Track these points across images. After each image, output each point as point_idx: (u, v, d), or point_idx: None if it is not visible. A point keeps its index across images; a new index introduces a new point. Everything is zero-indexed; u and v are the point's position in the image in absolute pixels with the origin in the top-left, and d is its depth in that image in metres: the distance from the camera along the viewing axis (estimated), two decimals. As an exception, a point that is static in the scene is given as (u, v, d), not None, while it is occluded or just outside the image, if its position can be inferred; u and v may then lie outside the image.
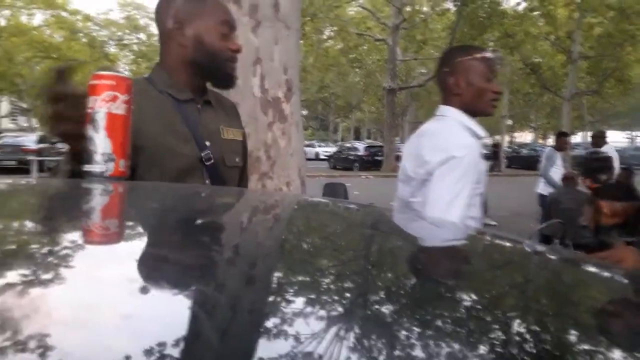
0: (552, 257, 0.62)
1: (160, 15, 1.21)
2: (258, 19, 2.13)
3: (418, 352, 0.29)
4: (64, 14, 23.28)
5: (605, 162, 4.70)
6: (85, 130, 0.83)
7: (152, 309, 0.32)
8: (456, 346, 0.31)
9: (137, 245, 0.48)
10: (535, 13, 16.81)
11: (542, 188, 6.03)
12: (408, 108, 29.58)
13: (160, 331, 0.29)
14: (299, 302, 0.35)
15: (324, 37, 23.14)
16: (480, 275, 0.50)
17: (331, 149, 27.67)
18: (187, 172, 1.14)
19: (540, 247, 0.63)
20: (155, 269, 0.40)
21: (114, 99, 0.82)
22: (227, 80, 1.24)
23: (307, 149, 25.13)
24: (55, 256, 0.41)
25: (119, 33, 31.50)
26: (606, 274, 0.55)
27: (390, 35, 18.19)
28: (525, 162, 23.41)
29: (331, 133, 47.17)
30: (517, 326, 0.36)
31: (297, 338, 0.29)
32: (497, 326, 0.36)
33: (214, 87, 1.28)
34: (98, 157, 0.82)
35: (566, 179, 5.51)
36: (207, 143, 1.19)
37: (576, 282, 0.52)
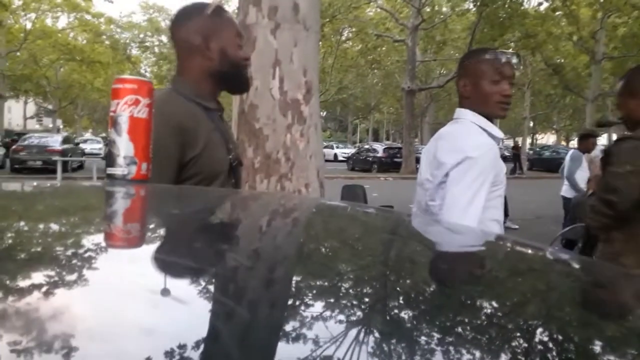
0: (570, 264, 0.61)
1: (180, 32, 1.30)
2: (277, 21, 2.14)
3: (436, 358, 0.29)
4: (87, 16, 23.73)
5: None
6: None
7: (172, 311, 0.32)
8: (473, 353, 0.30)
9: (158, 248, 0.49)
10: (558, 13, 16.53)
11: (566, 191, 5.86)
12: (427, 109, 29.38)
13: (181, 333, 0.29)
14: (317, 306, 0.35)
15: (343, 38, 23.14)
16: (496, 281, 0.50)
17: (350, 151, 27.62)
18: (225, 173, 1.27)
19: (560, 254, 0.62)
20: (174, 271, 0.41)
21: (136, 102, 0.84)
22: (246, 85, 1.41)
23: (326, 151, 25.15)
24: (74, 259, 0.42)
25: (141, 35, 32.02)
26: (621, 279, 0.54)
27: (409, 36, 18.09)
28: (547, 164, 23.02)
29: (350, 134, 47.13)
30: (534, 334, 0.35)
31: (316, 342, 0.29)
32: (514, 334, 0.36)
33: (232, 94, 1.46)
34: (120, 160, 0.84)
35: (592, 182, 5.38)
36: (231, 146, 1.33)
37: (585, 288, 0.51)
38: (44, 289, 0.33)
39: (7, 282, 0.35)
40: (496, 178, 1.47)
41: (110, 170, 0.84)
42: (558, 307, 0.43)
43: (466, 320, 0.36)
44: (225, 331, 0.31)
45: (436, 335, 0.33)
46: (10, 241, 0.47)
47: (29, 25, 20.75)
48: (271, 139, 2.12)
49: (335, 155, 29.28)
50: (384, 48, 23.21)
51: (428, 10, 18.47)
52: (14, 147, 15.36)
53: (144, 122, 0.85)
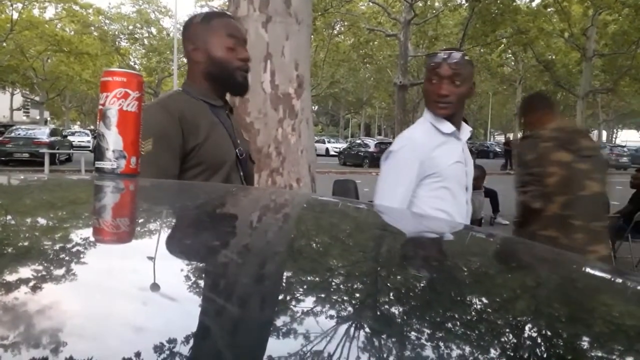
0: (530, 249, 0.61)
1: (183, 41, 1.44)
2: (269, 14, 2.13)
3: (426, 352, 0.29)
4: (75, 7, 23.41)
5: None
6: None
7: (162, 306, 0.32)
8: (463, 348, 0.30)
9: (147, 244, 0.48)
10: (549, 9, 16.61)
11: None
12: (419, 104, 29.41)
13: (171, 329, 0.29)
14: (308, 302, 0.35)
15: (335, 32, 23.06)
16: (482, 275, 0.50)
17: (341, 145, 27.62)
18: (230, 164, 1.34)
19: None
20: (164, 268, 0.40)
21: (125, 96, 0.83)
22: (239, 87, 1.44)
23: (317, 145, 25.13)
24: (63, 254, 0.41)
25: (130, 27, 31.65)
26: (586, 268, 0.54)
27: (401, 30, 18.08)
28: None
29: (341, 129, 47.11)
30: (517, 327, 0.36)
31: (306, 337, 0.29)
32: (503, 328, 0.36)
33: (231, 95, 1.50)
34: (109, 154, 0.83)
35: None
36: (238, 141, 1.41)
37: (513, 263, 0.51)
38: (32, 284, 0.33)
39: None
40: (431, 170, 1.56)
41: (99, 164, 0.83)
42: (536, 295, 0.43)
43: (453, 313, 0.36)
44: (215, 327, 0.30)
45: (426, 330, 0.33)
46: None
47: (15, 16, 20.39)
48: (262, 133, 2.11)
49: (327, 149, 29.27)
50: (376, 42, 23.17)
51: (420, 5, 18.45)
52: (0, 139, 15.16)
53: (134, 115, 0.84)
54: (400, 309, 0.37)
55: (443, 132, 1.62)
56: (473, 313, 0.38)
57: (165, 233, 0.54)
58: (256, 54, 2.11)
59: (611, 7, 14.87)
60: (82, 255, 0.41)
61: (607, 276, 0.55)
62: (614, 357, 0.34)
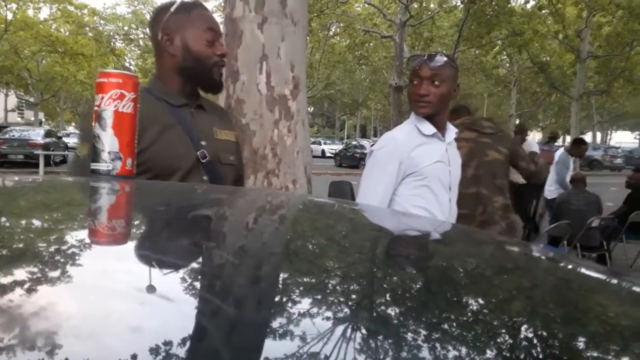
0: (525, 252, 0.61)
1: (152, 29, 1.32)
2: (264, 15, 2.12)
3: (423, 353, 0.29)
4: (70, 8, 23.30)
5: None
6: None
7: (157, 309, 0.32)
8: (459, 349, 0.30)
9: (143, 245, 0.48)
10: (544, 11, 16.68)
11: (549, 192, 5.97)
12: (414, 106, 29.33)
13: (167, 331, 0.29)
14: (304, 303, 0.35)
15: (331, 33, 23.07)
16: (477, 276, 0.50)
17: (337, 147, 27.61)
18: (186, 169, 1.23)
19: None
20: (159, 269, 0.40)
21: (121, 97, 0.82)
22: (214, 84, 1.35)
23: (313, 147, 25.09)
24: (60, 256, 0.41)
25: (126, 28, 31.56)
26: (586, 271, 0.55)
27: (397, 32, 18.11)
28: (533, 161, 23.21)
29: (337, 130, 47.11)
30: (513, 328, 0.36)
31: (303, 338, 0.29)
32: (499, 329, 0.36)
33: (204, 92, 1.38)
34: (105, 156, 0.82)
35: (575, 180, 5.48)
36: (203, 142, 1.27)
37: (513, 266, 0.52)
38: (27, 287, 0.33)
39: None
40: (412, 169, 1.63)
41: (94, 166, 0.83)
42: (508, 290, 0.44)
43: (448, 314, 0.36)
44: (211, 329, 0.30)
45: (422, 332, 0.33)
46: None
47: (9, 16, 20.27)
48: (258, 134, 2.10)
49: (323, 151, 29.24)
50: (371, 44, 23.19)
51: (416, 6, 18.48)
52: (-6, 140, 15.08)
53: (129, 116, 0.83)
54: (391, 309, 0.37)
55: (424, 133, 1.68)
56: (466, 312, 0.38)
57: (160, 235, 0.53)
58: (252, 55, 2.11)
59: (605, 9, 14.96)
60: (78, 257, 0.41)
61: (601, 277, 0.56)
62: (609, 357, 0.34)
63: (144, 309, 0.32)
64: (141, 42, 32.10)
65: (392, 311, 0.37)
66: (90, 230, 0.52)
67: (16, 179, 0.81)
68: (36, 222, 0.54)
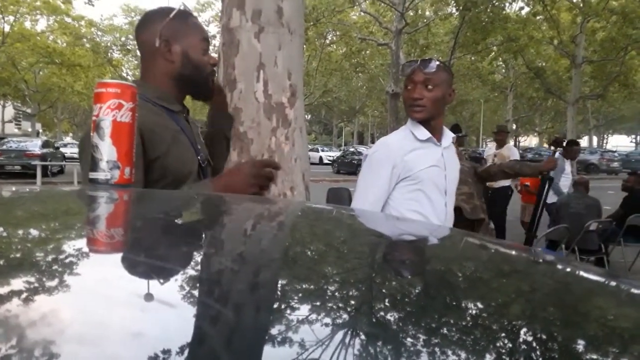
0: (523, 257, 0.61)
1: (144, 33, 1.30)
2: (261, 25, 2.13)
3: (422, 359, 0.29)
4: (67, 19, 23.38)
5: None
6: None
7: (156, 317, 0.32)
8: (459, 354, 0.31)
9: (143, 253, 0.48)
10: (539, 17, 16.80)
11: (548, 197, 6.00)
12: (411, 112, 29.42)
13: (168, 337, 0.29)
14: (303, 309, 0.35)
15: (327, 41, 23.17)
16: (480, 280, 0.50)
17: (335, 154, 27.64)
18: (194, 174, 1.27)
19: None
20: (159, 277, 0.40)
21: (119, 107, 0.83)
22: (208, 92, 1.37)
23: (311, 154, 25.11)
24: (59, 266, 0.41)
25: (123, 38, 31.64)
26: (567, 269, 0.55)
27: (393, 39, 18.21)
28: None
29: (335, 137, 47.17)
30: (514, 333, 0.36)
31: (302, 345, 0.29)
32: (499, 334, 0.36)
33: (196, 99, 1.38)
34: (103, 165, 0.83)
35: (578, 184, 5.50)
36: (199, 147, 1.33)
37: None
38: (25, 296, 0.33)
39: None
40: (406, 173, 1.65)
41: (92, 175, 0.83)
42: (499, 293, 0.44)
43: (448, 319, 0.37)
44: (212, 335, 0.30)
45: (422, 337, 0.33)
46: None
47: (7, 28, 20.34)
48: (256, 142, 2.10)
49: (321, 158, 29.27)
50: (368, 51, 23.31)
51: (411, 14, 18.61)
52: (-9, 151, 15.06)
53: (127, 126, 0.84)
54: (389, 315, 0.37)
55: (419, 138, 1.71)
56: (465, 317, 0.38)
57: (158, 243, 0.53)
58: (249, 64, 2.12)
59: (599, 14, 15.08)
60: (78, 267, 0.41)
61: (600, 279, 0.56)
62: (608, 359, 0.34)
63: (143, 317, 0.32)
64: (138, 53, 32.17)
65: (390, 317, 0.37)
66: (88, 239, 0.52)
67: (13, 189, 0.81)
68: (34, 232, 0.54)
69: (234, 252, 0.52)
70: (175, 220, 0.66)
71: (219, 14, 2.55)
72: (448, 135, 1.79)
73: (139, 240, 0.54)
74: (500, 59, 19.78)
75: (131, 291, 0.36)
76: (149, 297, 0.35)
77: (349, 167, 21.92)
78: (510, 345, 0.34)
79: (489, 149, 6.96)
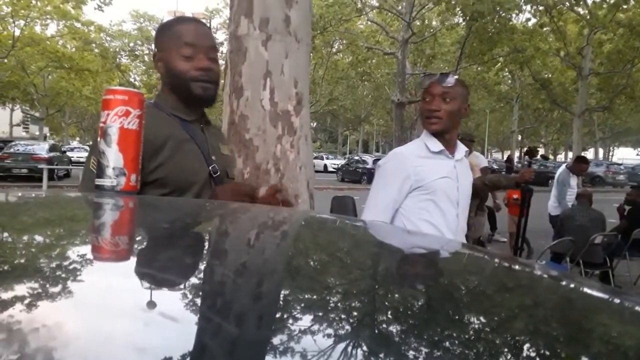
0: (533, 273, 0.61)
1: (154, 50, 1.36)
2: (269, 33, 2.15)
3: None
4: (77, 24, 23.58)
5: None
6: None
7: (159, 326, 0.32)
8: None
9: (147, 263, 0.48)
10: (545, 29, 16.81)
11: (552, 209, 5.97)
12: (417, 122, 29.51)
13: (168, 347, 0.28)
14: (306, 320, 0.35)
15: (334, 50, 23.27)
16: (483, 294, 0.50)
17: (340, 162, 27.65)
18: (201, 184, 1.25)
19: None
20: (162, 285, 0.41)
21: (126, 114, 0.83)
22: (197, 99, 1.29)
23: (316, 162, 25.11)
24: (63, 274, 0.41)
25: (131, 44, 31.91)
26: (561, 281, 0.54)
27: (399, 49, 18.27)
28: (536, 177, 23.17)
29: (340, 145, 47.22)
30: (516, 346, 0.36)
31: (311, 356, 0.29)
32: (500, 347, 0.36)
33: (192, 106, 1.34)
34: (109, 172, 0.83)
35: (581, 196, 5.47)
36: (213, 157, 1.31)
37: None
38: (32, 304, 0.33)
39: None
40: (418, 183, 1.68)
41: (99, 182, 0.84)
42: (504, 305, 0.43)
43: (450, 331, 0.36)
44: (213, 347, 0.30)
45: (424, 350, 0.33)
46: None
47: (17, 32, 20.54)
48: (261, 149, 2.12)
49: (325, 166, 29.28)
50: (374, 60, 23.37)
51: (418, 24, 18.67)
52: (-1, 154, 15.16)
53: (134, 133, 0.84)
54: (392, 327, 0.37)
55: (431, 150, 1.74)
56: (468, 331, 0.38)
57: (162, 252, 0.54)
58: (256, 72, 2.13)
59: (606, 26, 15.07)
60: (82, 276, 0.42)
61: (605, 296, 0.56)
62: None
63: (146, 327, 0.32)
64: (146, 58, 32.41)
65: (393, 329, 0.37)
66: (94, 246, 0.52)
67: (19, 194, 0.81)
68: (39, 238, 0.54)
69: (239, 262, 0.52)
70: (178, 230, 0.67)
71: (227, 22, 2.56)
72: (461, 149, 1.84)
73: (140, 249, 0.55)
74: (507, 69, 19.78)
75: (132, 300, 0.36)
76: (153, 308, 0.35)
77: (354, 175, 21.91)
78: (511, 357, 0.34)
79: None
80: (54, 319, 0.32)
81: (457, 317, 0.42)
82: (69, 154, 20.93)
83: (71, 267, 0.43)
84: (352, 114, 35.46)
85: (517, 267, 0.64)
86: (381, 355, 0.32)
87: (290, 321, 0.35)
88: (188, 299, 0.38)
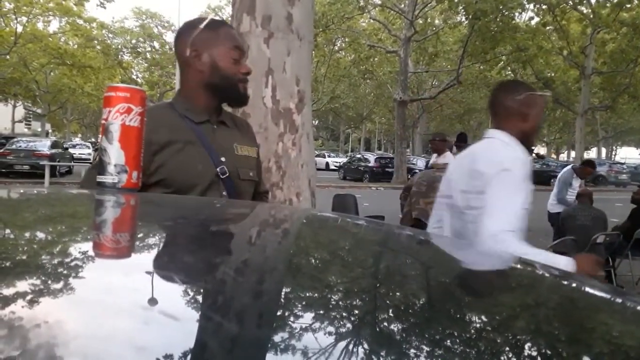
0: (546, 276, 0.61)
1: (178, 45, 1.34)
2: (271, 30, 2.15)
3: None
4: (79, 21, 23.59)
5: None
6: None
7: (161, 323, 0.32)
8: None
9: (148, 260, 0.48)
10: (548, 28, 16.77)
11: (551, 207, 5.96)
12: (419, 120, 29.52)
13: (169, 345, 0.29)
14: (307, 318, 0.35)
15: (336, 48, 23.26)
16: (486, 295, 0.50)
17: (341, 160, 27.65)
18: (205, 185, 1.25)
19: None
20: (165, 281, 0.40)
21: (128, 111, 0.83)
22: (240, 99, 1.37)
23: (318, 159, 25.15)
24: (63, 271, 0.41)
25: (133, 41, 31.92)
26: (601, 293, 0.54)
27: (401, 47, 18.25)
28: (538, 176, 23.14)
29: (342, 143, 47.22)
30: (522, 347, 0.36)
31: (305, 354, 0.29)
32: (503, 347, 0.36)
33: (229, 106, 1.40)
34: (111, 168, 0.83)
35: (582, 195, 5.46)
36: (222, 159, 1.30)
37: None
38: (33, 301, 0.33)
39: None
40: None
41: (100, 178, 0.84)
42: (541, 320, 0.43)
43: (455, 333, 0.36)
44: (214, 345, 0.30)
45: (425, 349, 0.33)
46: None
47: (19, 29, 20.55)
48: (263, 147, 2.11)
49: (327, 164, 29.29)
50: (376, 59, 23.36)
51: (421, 22, 18.65)
52: (1, 150, 15.17)
53: (136, 130, 0.84)
54: (394, 326, 0.37)
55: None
56: (469, 330, 0.38)
57: (163, 249, 0.54)
58: (258, 70, 2.13)
59: (609, 26, 15.03)
60: (82, 273, 0.41)
61: (607, 295, 0.55)
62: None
63: (147, 324, 0.32)
64: (148, 55, 32.45)
65: (394, 327, 0.37)
66: (95, 243, 0.52)
67: (21, 190, 0.81)
68: (40, 235, 0.54)
69: (240, 260, 0.52)
70: (178, 228, 0.66)
71: (229, 19, 2.57)
72: None
73: (141, 246, 0.55)
74: (509, 68, 19.75)
75: (132, 299, 0.36)
76: (155, 306, 0.35)
77: (355, 173, 21.90)
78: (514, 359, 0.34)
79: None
80: (55, 316, 0.32)
81: (457, 317, 0.41)
82: (70, 150, 20.95)
83: (72, 264, 0.43)
84: (354, 112, 35.44)
85: (519, 266, 0.64)
86: (382, 354, 0.31)
87: (292, 319, 0.35)
88: (189, 297, 0.38)
